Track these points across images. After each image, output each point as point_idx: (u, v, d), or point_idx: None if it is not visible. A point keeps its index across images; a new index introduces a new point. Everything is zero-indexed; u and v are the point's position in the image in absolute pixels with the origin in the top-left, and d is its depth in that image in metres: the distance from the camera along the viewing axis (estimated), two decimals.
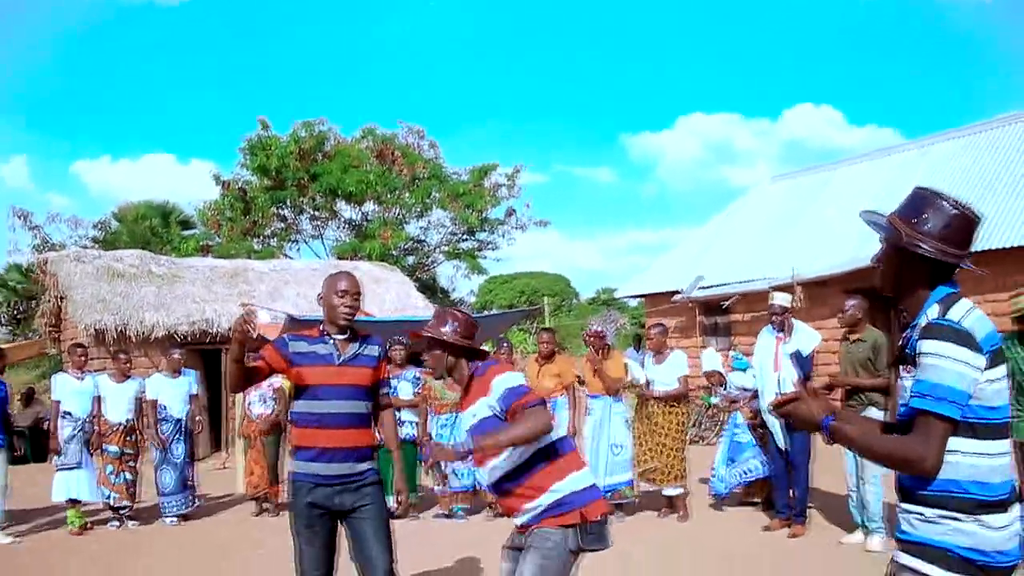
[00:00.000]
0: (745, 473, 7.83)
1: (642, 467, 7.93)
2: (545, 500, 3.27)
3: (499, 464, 3.34)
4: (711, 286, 15.48)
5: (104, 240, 25.21)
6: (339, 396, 3.97)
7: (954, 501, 2.27)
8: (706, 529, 7.45)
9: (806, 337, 7.13)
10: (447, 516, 8.26)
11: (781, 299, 7.19)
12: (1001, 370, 2.32)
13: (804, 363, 7.00)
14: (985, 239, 10.99)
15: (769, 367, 7.14)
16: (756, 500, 8.09)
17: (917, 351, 2.33)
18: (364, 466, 4.03)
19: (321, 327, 4.05)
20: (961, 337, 2.26)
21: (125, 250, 17.43)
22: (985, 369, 2.27)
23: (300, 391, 3.98)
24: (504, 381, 3.31)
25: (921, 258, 2.40)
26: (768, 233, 16.25)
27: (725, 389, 8.40)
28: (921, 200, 2.45)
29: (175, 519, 8.64)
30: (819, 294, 13.55)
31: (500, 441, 3.21)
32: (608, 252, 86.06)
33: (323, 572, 3.95)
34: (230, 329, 3.83)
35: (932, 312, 2.36)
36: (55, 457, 8.36)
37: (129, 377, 8.79)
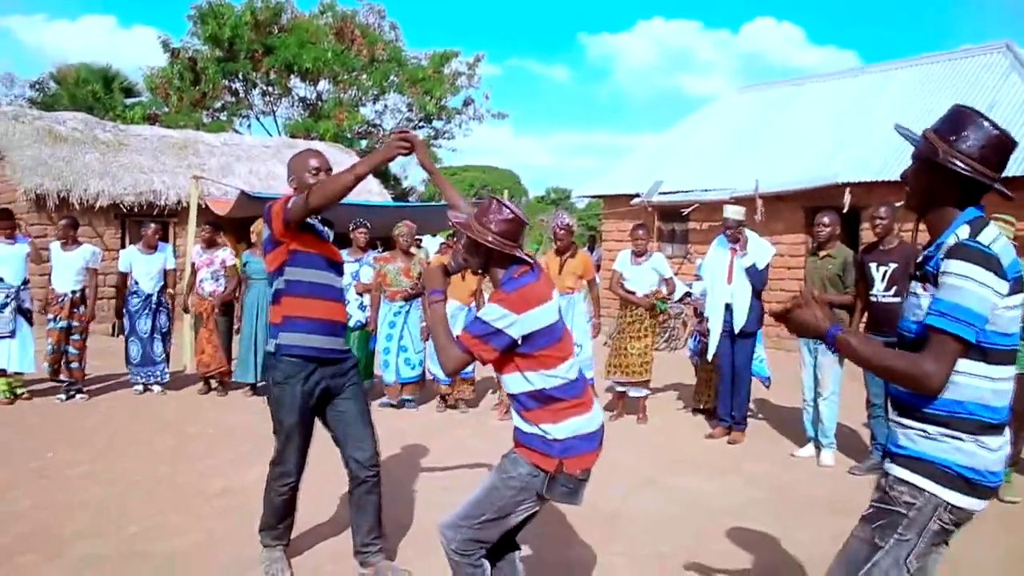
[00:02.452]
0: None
1: (614, 376, 7.95)
2: (533, 431, 3.04)
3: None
4: (671, 192, 15.40)
5: (41, 102, 24.13)
6: (332, 269, 3.95)
7: (957, 421, 2.32)
8: (659, 433, 7.56)
9: (762, 250, 7.16)
10: (396, 406, 8.21)
11: (734, 212, 7.15)
12: (1019, 298, 2.33)
13: (759, 276, 7.06)
14: None
15: (721, 279, 7.18)
16: (707, 407, 8.19)
17: (940, 270, 2.31)
18: (345, 344, 4.08)
19: None
20: (989, 261, 2.26)
21: (67, 112, 16.66)
22: (1006, 295, 2.28)
23: (299, 258, 3.79)
24: (485, 309, 3.00)
25: (954, 176, 2.35)
26: (731, 144, 16.14)
27: (691, 297, 8.40)
28: (961, 118, 2.40)
29: (140, 387, 8.65)
30: (777, 208, 13.56)
31: (435, 340, 3.10)
32: (558, 151, 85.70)
33: (303, 460, 3.96)
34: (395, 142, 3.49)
35: (962, 232, 2.33)
36: None
37: (79, 244, 8.46)
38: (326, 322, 3.87)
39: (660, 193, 15.52)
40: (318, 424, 4.04)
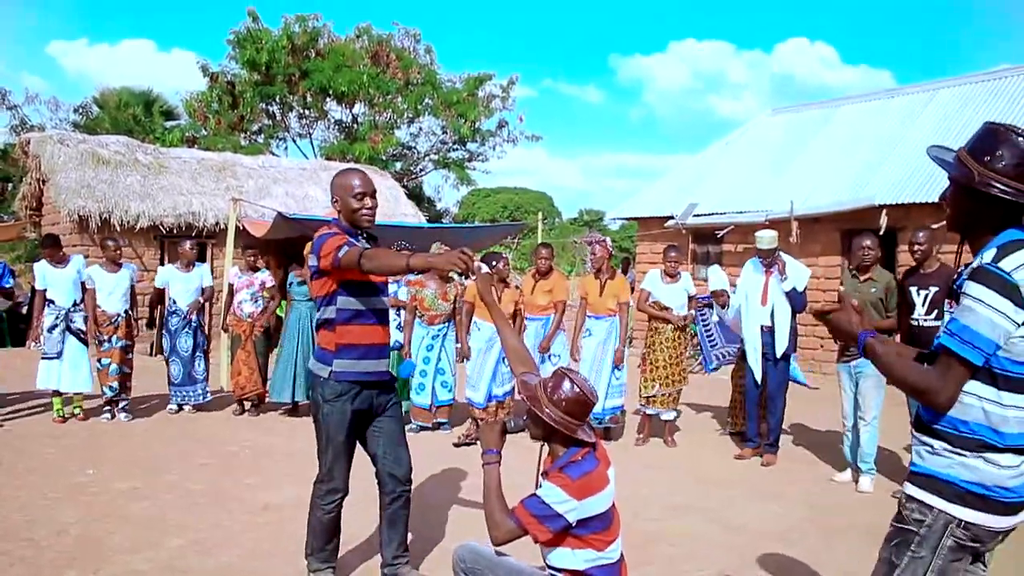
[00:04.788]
0: (724, 356, 8.10)
1: (650, 391, 7.87)
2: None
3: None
4: (705, 214, 15.37)
5: (84, 125, 24.58)
6: (383, 292, 4.04)
7: (959, 438, 2.32)
8: (691, 455, 7.53)
9: (800, 273, 7.18)
10: (431, 428, 8.21)
11: (768, 241, 7.11)
12: None
13: (799, 299, 7.09)
14: None
15: (756, 300, 7.18)
16: (743, 430, 8.10)
17: (962, 290, 2.30)
18: (388, 363, 4.15)
19: (342, 226, 3.91)
20: (1006, 288, 2.22)
21: (110, 136, 16.98)
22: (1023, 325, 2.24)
23: (350, 287, 3.85)
24: (547, 489, 2.95)
25: (992, 198, 2.31)
26: (766, 165, 16.07)
27: (726, 309, 8.36)
28: (994, 136, 2.35)
29: (175, 407, 8.72)
30: (812, 231, 13.50)
31: (486, 505, 3.05)
32: (591, 172, 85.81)
33: (349, 471, 4.04)
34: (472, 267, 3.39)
35: (988, 256, 2.29)
36: (33, 344, 8.31)
37: (121, 265, 8.57)
38: (375, 346, 3.97)
39: (694, 215, 15.49)
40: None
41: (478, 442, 7.60)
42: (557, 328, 8.08)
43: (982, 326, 2.22)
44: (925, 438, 2.40)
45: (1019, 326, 2.24)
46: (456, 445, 7.67)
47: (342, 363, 3.88)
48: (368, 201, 3.88)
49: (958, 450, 2.31)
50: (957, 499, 2.31)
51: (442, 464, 6.73)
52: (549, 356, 7.93)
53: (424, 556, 4.67)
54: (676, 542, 5.10)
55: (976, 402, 2.30)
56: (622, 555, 3.12)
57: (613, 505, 3.07)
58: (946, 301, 2.52)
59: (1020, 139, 2.31)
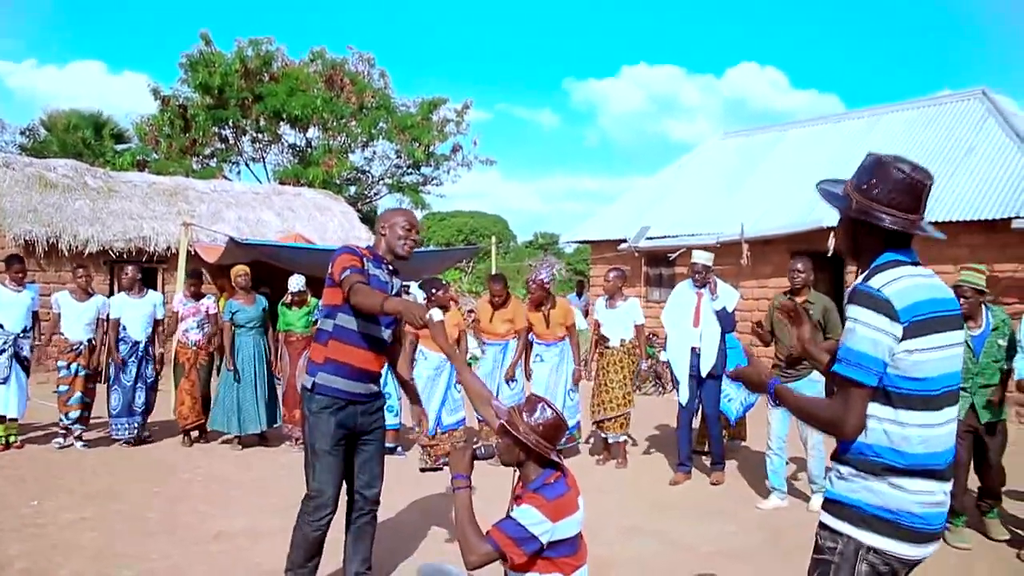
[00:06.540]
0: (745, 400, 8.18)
1: (597, 416, 7.95)
2: None
3: None
4: (657, 237, 15.53)
5: (31, 148, 24.21)
6: (384, 323, 4.11)
7: (865, 463, 2.35)
8: (642, 477, 7.56)
9: (729, 294, 7.34)
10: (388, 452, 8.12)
11: (703, 258, 7.29)
12: (927, 341, 2.30)
13: (729, 319, 7.22)
14: (929, 212, 11.09)
15: (687, 322, 7.27)
16: (706, 451, 8.13)
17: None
18: (377, 388, 4.24)
19: (375, 253, 4.13)
20: (877, 303, 2.28)
21: (58, 159, 16.72)
22: (904, 339, 2.28)
23: (349, 306, 3.93)
24: (522, 511, 2.96)
25: (870, 225, 2.41)
26: (717, 189, 16.29)
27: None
28: (871, 166, 2.46)
29: (123, 442, 8.44)
30: (763, 252, 13.70)
31: (459, 530, 3.05)
32: (546, 195, 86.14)
33: (338, 493, 4.08)
34: (421, 317, 3.48)
35: (860, 278, 2.40)
36: None
37: (92, 295, 8.48)
38: (361, 370, 4.07)
39: (647, 238, 15.64)
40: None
41: (445, 468, 7.59)
42: (520, 355, 8.09)
43: (864, 345, 2.28)
44: (836, 464, 2.45)
45: (899, 340, 2.27)
46: (423, 471, 7.63)
47: (324, 376, 4.01)
48: (414, 234, 4.15)
49: (863, 474, 2.35)
50: (863, 524, 2.34)
51: (406, 488, 6.68)
52: (508, 382, 7.94)
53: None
54: (630, 565, 5.13)
55: (876, 424, 2.33)
56: None
57: (579, 534, 3.09)
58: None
59: (895, 169, 2.39)
